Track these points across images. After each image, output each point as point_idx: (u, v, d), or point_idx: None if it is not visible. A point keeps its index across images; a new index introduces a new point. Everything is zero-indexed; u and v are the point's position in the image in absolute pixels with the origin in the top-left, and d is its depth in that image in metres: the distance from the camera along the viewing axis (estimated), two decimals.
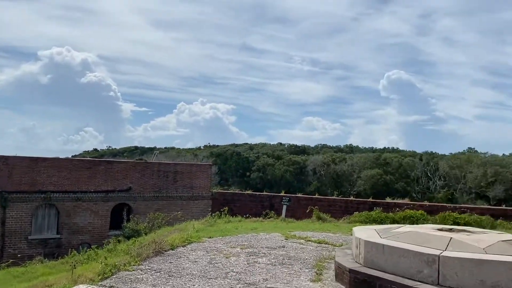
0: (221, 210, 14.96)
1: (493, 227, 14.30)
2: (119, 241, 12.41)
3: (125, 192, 21.67)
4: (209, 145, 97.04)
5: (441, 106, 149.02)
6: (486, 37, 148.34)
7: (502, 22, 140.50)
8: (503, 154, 71.17)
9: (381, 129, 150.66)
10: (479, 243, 6.26)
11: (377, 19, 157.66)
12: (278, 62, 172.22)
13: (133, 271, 7.25)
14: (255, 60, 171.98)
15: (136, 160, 27.29)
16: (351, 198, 23.44)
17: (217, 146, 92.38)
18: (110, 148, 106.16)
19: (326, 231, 12.69)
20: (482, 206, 22.82)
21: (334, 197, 22.24)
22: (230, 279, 6.89)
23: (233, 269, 7.49)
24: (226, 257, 8.41)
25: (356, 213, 16.63)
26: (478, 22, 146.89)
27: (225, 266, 7.74)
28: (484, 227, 13.59)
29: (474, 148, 73.98)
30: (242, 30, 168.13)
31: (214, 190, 23.85)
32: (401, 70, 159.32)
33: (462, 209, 16.99)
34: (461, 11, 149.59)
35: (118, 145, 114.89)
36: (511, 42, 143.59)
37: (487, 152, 67.49)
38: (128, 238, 13.82)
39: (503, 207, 19.95)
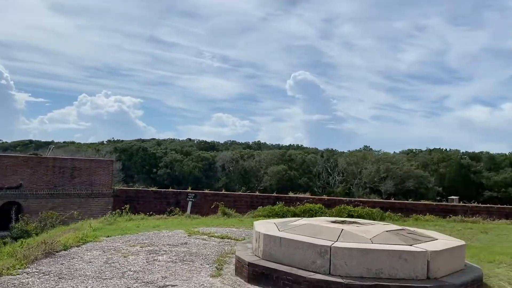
0: (123, 208, 14.37)
1: (382, 218, 15.58)
2: (4, 243, 11.29)
3: (14, 190, 19.79)
4: (113, 140, 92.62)
5: (341, 107, 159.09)
6: (382, 43, 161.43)
7: (396, 30, 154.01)
8: (394, 152, 78.08)
9: (288, 127, 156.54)
10: (366, 233, 6.75)
11: (285, 20, 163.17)
12: (188, 56, 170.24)
13: (18, 275, 6.63)
14: (164, 53, 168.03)
15: (29, 154, 25.05)
16: (257, 193, 23.93)
17: (122, 141, 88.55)
18: (1, 142, 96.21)
19: (230, 226, 12.80)
20: (374, 200, 24.78)
21: (240, 193, 22.52)
22: (127, 278, 6.62)
23: (130, 268, 7.21)
24: (124, 256, 8.08)
25: (260, 207, 17.00)
26: (375, 29, 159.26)
27: (123, 265, 7.42)
28: (374, 219, 14.76)
29: (369, 146, 79.96)
30: (151, 21, 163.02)
31: (116, 187, 22.79)
32: (306, 71, 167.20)
33: (356, 203, 18.26)
34: (360, 18, 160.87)
35: (10, 138, 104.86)
36: (403, 49, 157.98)
37: (380, 150, 73.52)
38: (16, 239, 12.62)
39: (392, 200, 21.90)
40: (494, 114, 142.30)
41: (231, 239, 10.29)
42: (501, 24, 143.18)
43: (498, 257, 8.89)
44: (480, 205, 19.87)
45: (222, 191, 25.26)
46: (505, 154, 75.16)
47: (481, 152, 77.23)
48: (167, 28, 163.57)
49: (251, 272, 6.55)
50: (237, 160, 68.85)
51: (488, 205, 21.08)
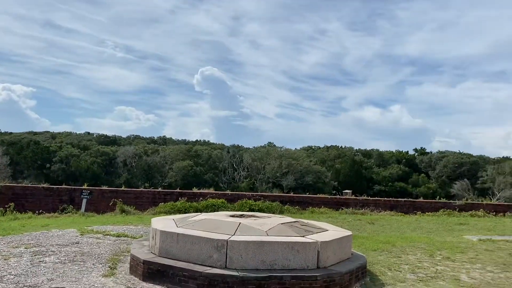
0: (6, 206, 13.07)
1: (281, 212, 16.21)
2: None
3: None
4: (0, 132, 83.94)
5: (248, 104, 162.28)
6: (286, 44, 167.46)
7: (299, 33, 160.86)
8: (295, 148, 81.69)
9: (195, 122, 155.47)
10: (262, 226, 6.94)
11: (193, 14, 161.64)
12: (88, 44, 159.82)
13: None
14: (61, 39, 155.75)
15: None
16: (160, 189, 23.35)
17: (11, 133, 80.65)
18: None
19: (128, 224, 12.34)
20: (274, 194, 25.64)
21: (141, 189, 21.77)
22: (5, 283, 6.01)
23: (11, 272, 6.56)
24: (5, 259, 7.33)
25: (162, 204, 16.65)
26: (280, 29, 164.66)
27: (2, 269, 6.72)
28: (274, 212, 15.30)
29: (273, 143, 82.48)
30: (46, 4, 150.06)
31: (0, 184, 20.63)
32: (214, 67, 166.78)
33: (258, 197, 18.73)
34: (266, 17, 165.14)
35: None
36: (305, 51, 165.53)
37: (283, 147, 76.16)
38: None
39: (291, 194, 22.83)
40: (384, 115, 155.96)
41: (128, 237, 9.91)
42: (391, 33, 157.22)
43: (381, 246, 9.75)
44: (369, 198, 21.57)
45: (122, 187, 24.20)
46: (392, 151, 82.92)
47: (372, 150, 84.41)
48: (65, 13, 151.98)
49: (146, 270, 6.36)
50: (140, 155, 66.56)
51: (376, 198, 23.00)
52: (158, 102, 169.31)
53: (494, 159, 74.28)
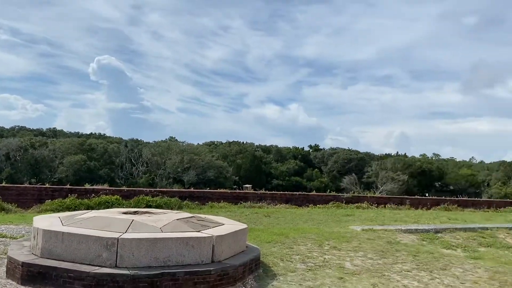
0: None
1: (180, 207, 15.98)
2: None
3: None
4: None
5: (148, 96, 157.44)
6: (189, 38, 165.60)
7: (202, 27, 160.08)
8: (198, 143, 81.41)
9: (89, 114, 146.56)
10: (157, 223, 6.78)
11: None
12: None
13: None
14: None
15: None
16: (47, 185, 21.56)
17: None
18: None
19: (7, 223, 11.17)
20: (173, 189, 25.22)
21: (25, 185, 19.92)
22: None
23: None
24: None
25: (49, 201, 15.40)
26: (183, 22, 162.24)
27: None
28: (172, 208, 15.05)
29: (174, 137, 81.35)
30: None
31: None
32: (112, 56, 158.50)
33: (156, 193, 18.23)
34: (169, 9, 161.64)
35: None
36: (208, 46, 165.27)
37: (185, 141, 75.51)
38: None
39: (191, 189, 22.71)
40: (283, 112, 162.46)
41: (7, 237, 8.98)
42: (291, 34, 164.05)
43: (275, 237, 10.11)
44: (266, 192, 22.27)
45: (3, 183, 21.89)
46: (290, 147, 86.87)
47: (271, 146, 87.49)
48: None
49: (26, 272, 5.82)
50: (26, 148, 60.89)
51: (273, 192, 23.84)
52: (48, 91, 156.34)
53: (378, 155, 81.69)
